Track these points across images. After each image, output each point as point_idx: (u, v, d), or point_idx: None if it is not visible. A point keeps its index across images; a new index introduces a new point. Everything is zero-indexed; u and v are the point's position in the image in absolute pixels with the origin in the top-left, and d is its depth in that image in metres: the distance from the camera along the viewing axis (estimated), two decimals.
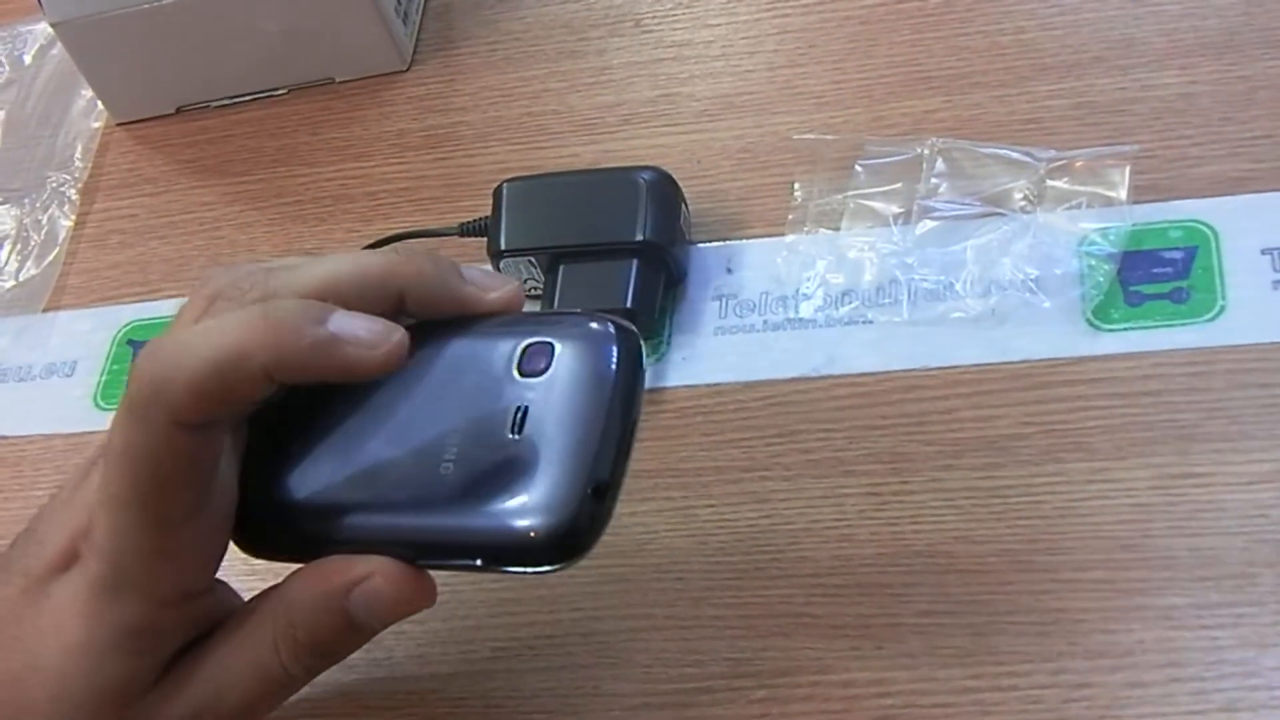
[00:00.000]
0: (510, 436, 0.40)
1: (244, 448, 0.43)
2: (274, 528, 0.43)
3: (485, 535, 0.40)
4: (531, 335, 0.42)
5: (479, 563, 0.40)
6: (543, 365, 0.41)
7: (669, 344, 0.58)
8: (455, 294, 0.43)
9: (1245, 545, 0.47)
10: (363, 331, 0.40)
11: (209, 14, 0.69)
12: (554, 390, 0.40)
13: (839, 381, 0.55)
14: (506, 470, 0.40)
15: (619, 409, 0.40)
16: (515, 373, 0.41)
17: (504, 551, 0.40)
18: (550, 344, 0.41)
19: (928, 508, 0.50)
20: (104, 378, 0.65)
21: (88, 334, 0.68)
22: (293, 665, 0.42)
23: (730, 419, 0.55)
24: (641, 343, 0.41)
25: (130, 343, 0.66)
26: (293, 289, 0.42)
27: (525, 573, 0.40)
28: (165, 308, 0.67)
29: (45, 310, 0.69)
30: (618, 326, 0.41)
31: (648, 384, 0.55)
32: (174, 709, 0.42)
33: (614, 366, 0.40)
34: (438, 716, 0.51)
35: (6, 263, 0.72)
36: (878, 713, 0.47)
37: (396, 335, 0.40)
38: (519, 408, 0.40)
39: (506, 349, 0.42)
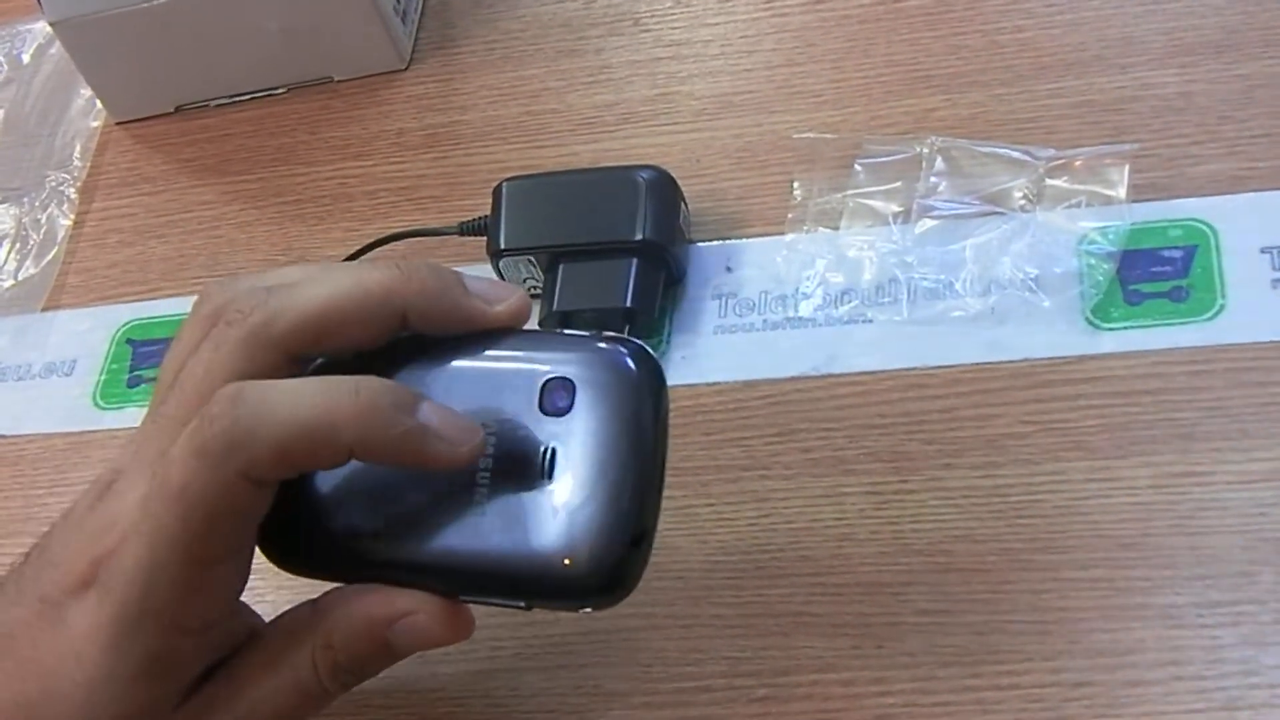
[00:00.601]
0: (542, 480, 0.40)
1: None
2: (305, 544, 0.43)
3: (530, 578, 0.40)
4: (550, 368, 0.42)
5: (523, 604, 0.41)
6: (565, 404, 0.41)
7: (669, 343, 0.58)
8: (460, 310, 0.43)
9: (1246, 544, 0.47)
10: (449, 429, 0.40)
11: (208, 13, 0.69)
12: (581, 432, 0.41)
13: (839, 380, 0.55)
14: (544, 513, 0.40)
15: (649, 449, 0.41)
16: (538, 409, 0.41)
17: (549, 595, 0.41)
18: (570, 380, 0.41)
19: (928, 507, 0.50)
20: (103, 377, 0.65)
21: (87, 333, 0.67)
22: (330, 683, 0.42)
23: (730, 418, 0.55)
24: (662, 371, 0.42)
25: (129, 341, 0.66)
26: (295, 310, 0.41)
27: (564, 611, 0.42)
28: (164, 307, 0.67)
29: (44, 309, 0.69)
30: (637, 357, 0.42)
31: None
32: None
33: (640, 405, 0.41)
34: (438, 716, 0.51)
35: (5, 262, 0.72)
36: (878, 711, 0.47)
37: (479, 436, 0.41)
38: (547, 449, 0.41)
39: (526, 382, 0.42)
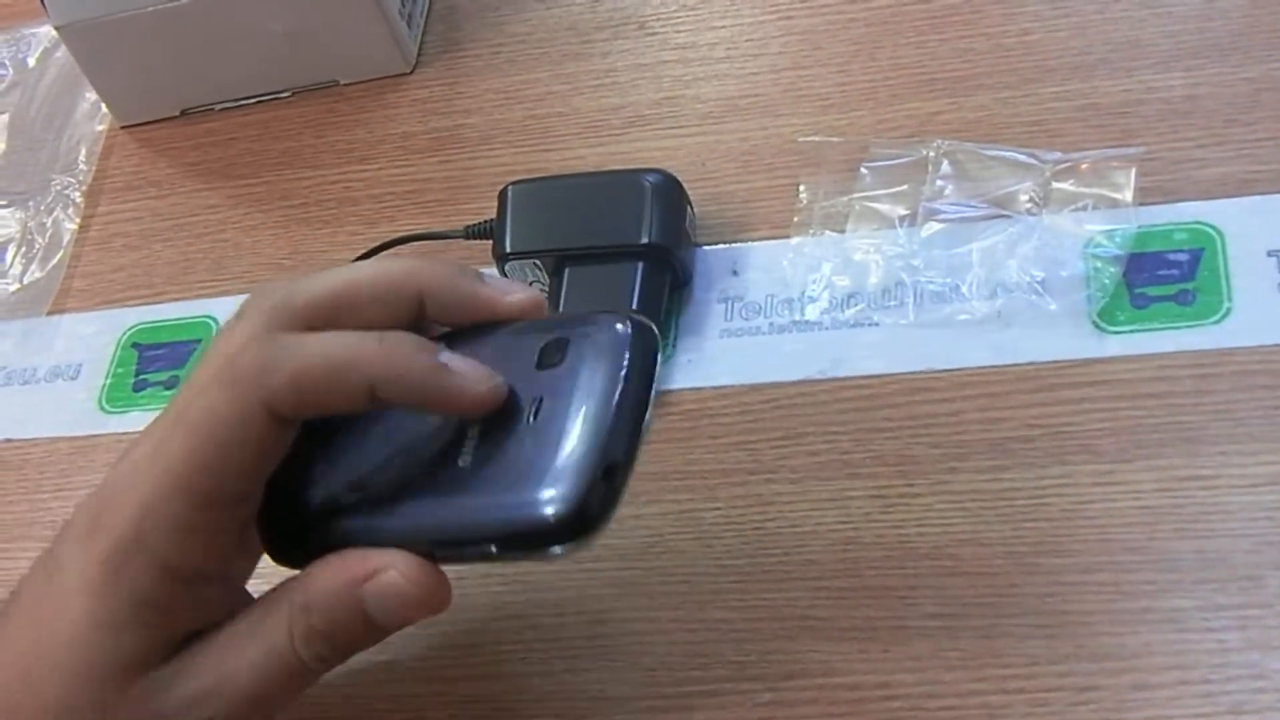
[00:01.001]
0: (526, 424, 0.41)
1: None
2: (298, 530, 0.43)
3: (497, 519, 0.40)
4: (551, 333, 0.43)
5: (493, 549, 0.40)
6: (559, 358, 0.42)
7: (674, 347, 0.58)
8: (475, 297, 0.44)
9: (1252, 547, 0.47)
10: (469, 369, 0.42)
11: (213, 17, 0.69)
12: (569, 379, 0.41)
13: (845, 384, 0.55)
14: (521, 457, 0.40)
15: (631, 393, 0.40)
16: (535, 368, 0.42)
17: (516, 534, 0.40)
18: (566, 339, 0.42)
19: (933, 510, 0.50)
20: (108, 381, 0.65)
21: (92, 337, 0.67)
22: (304, 650, 0.42)
23: (736, 422, 0.55)
24: (658, 335, 0.42)
25: (135, 345, 0.66)
26: (317, 286, 0.43)
27: (538, 556, 0.40)
28: (170, 311, 0.67)
29: (50, 313, 0.69)
30: (633, 320, 0.42)
31: None
32: (182, 687, 0.42)
33: (626, 353, 0.41)
34: None
35: (11, 265, 0.72)
36: (884, 716, 0.47)
37: (499, 378, 0.42)
38: (536, 398, 0.41)
39: (528, 347, 0.43)
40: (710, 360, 0.57)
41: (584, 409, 0.40)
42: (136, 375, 0.65)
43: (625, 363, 0.41)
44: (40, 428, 0.65)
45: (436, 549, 0.41)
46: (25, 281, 0.71)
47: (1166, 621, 0.46)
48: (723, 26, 0.68)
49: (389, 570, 0.41)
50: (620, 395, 0.40)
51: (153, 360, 0.65)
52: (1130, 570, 0.47)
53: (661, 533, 0.53)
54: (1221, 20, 0.60)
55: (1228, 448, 0.49)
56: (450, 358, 0.42)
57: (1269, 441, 0.49)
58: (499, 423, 0.41)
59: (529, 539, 0.39)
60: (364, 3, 0.69)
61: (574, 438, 0.40)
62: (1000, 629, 0.47)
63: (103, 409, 0.65)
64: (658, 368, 0.41)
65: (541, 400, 0.41)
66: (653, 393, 0.41)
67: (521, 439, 0.41)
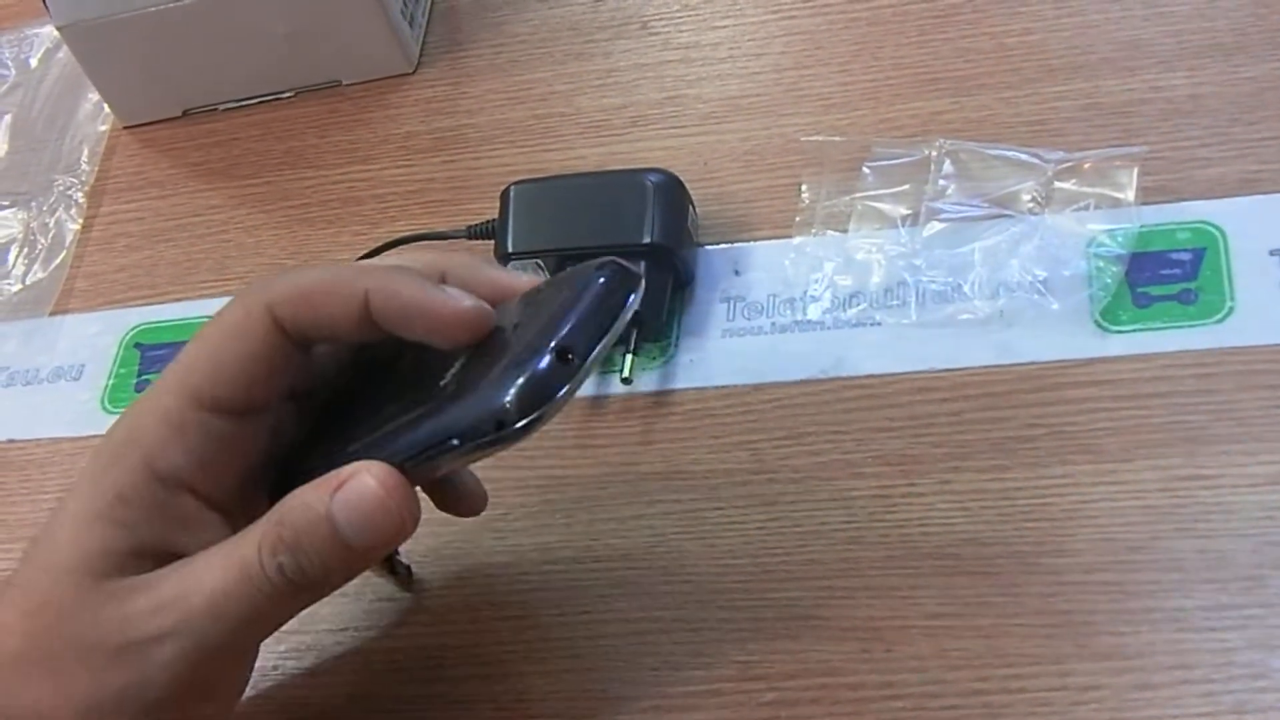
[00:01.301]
0: (501, 340, 0.42)
1: (291, 434, 0.46)
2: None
3: (455, 416, 0.41)
4: (543, 281, 0.44)
5: (455, 443, 0.40)
6: (543, 290, 0.43)
7: (676, 346, 0.58)
8: (492, 280, 0.45)
9: (1254, 547, 0.47)
10: (460, 292, 0.43)
11: (215, 17, 0.69)
12: (544, 303, 0.42)
13: (847, 384, 0.55)
14: (488, 367, 0.41)
15: (600, 300, 0.41)
16: (521, 305, 0.43)
17: (472, 422, 0.40)
18: (554, 280, 0.44)
19: (936, 510, 0.50)
20: (111, 381, 0.65)
21: (95, 337, 0.68)
22: (269, 561, 0.41)
23: (738, 421, 0.55)
24: (640, 277, 0.42)
25: (137, 346, 0.66)
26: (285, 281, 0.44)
27: (498, 439, 0.40)
28: (172, 311, 0.67)
29: (52, 314, 0.69)
30: (615, 262, 0.43)
31: (655, 386, 0.56)
32: (147, 595, 0.42)
33: (600, 278, 0.42)
34: (445, 719, 0.51)
35: (14, 266, 0.72)
36: (886, 715, 0.47)
37: (486, 306, 0.42)
38: (516, 323, 0.42)
39: (522, 296, 0.44)
40: (712, 360, 0.57)
41: (549, 314, 0.41)
42: (139, 375, 0.65)
43: (597, 281, 0.41)
44: (43, 428, 0.65)
45: (408, 463, 0.42)
46: (28, 282, 0.71)
47: (1169, 621, 0.46)
48: (725, 26, 0.68)
49: (359, 474, 0.41)
50: (587, 300, 0.41)
51: (155, 360, 0.65)
52: (1132, 570, 0.47)
53: (664, 533, 0.53)
54: (1224, 20, 0.60)
55: (1230, 447, 0.49)
56: (443, 286, 0.43)
57: (1271, 441, 0.49)
58: (483, 350, 0.42)
59: (484, 423, 0.40)
60: (366, 3, 0.69)
61: (535, 335, 0.40)
62: (1002, 628, 0.47)
63: (105, 409, 0.65)
64: (630, 300, 0.42)
65: (518, 324, 0.42)
66: (624, 308, 0.41)
67: (493, 352, 0.41)
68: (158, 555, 0.43)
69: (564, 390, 0.39)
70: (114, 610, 0.42)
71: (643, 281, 0.42)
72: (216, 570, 0.42)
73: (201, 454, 0.43)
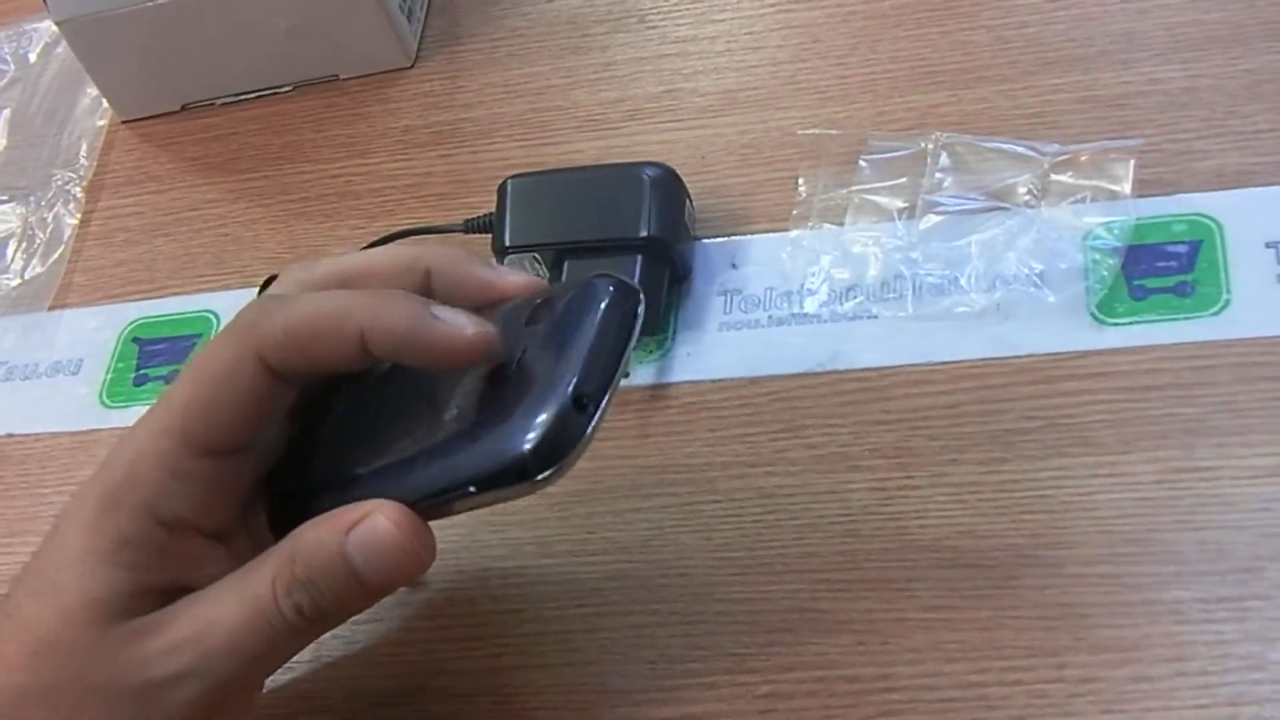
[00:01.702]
0: (509, 374, 0.41)
1: (281, 443, 0.46)
2: (296, 511, 0.44)
3: (472, 461, 0.40)
4: (542, 297, 0.44)
5: (472, 489, 0.40)
6: (545, 315, 0.43)
7: (673, 340, 0.58)
8: (478, 277, 0.45)
9: (1251, 539, 0.47)
10: (456, 315, 0.42)
11: (214, 11, 0.69)
12: (550, 330, 0.42)
13: (844, 376, 0.55)
14: (499, 402, 0.41)
15: (605, 335, 0.41)
16: (523, 326, 0.43)
17: (491, 470, 0.40)
18: (554, 298, 0.43)
19: (933, 502, 0.50)
20: (109, 375, 0.65)
21: (93, 332, 0.68)
22: (285, 600, 0.42)
23: (735, 414, 0.55)
24: (640, 295, 0.42)
25: (136, 340, 0.66)
26: (332, 266, 0.45)
27: (516, 488, 0.40)
28: (171, 305, 0.67)
29: (51, 308, 0.69)
30: (616, 280, 0.43)
31: (652, 380, 0.56)
32: (162, 636, 0.42)
33: (605, 303, 0.42)
34: (444, 713, 0.51)
35: (12, 260, 0.72)
36: (883, 708, 0.47)
37: (488, 326, 0.42)
38: (521, 350, 0.42)
39: (521, 311, 0.44)
40: (709, 353, 0.57)
41: (559, 350, 0.41)
42: (138, 370, 0.65)
43: (602, 310, 0.41)
44: (42, 423, 0.65)
45: (421, 503, 0.41)
46: (26, 277, 0.71)
47: (1166, 613, 0.46)
48: (722, 20, 0.68)
49: (373, 514, 0.41)
50: (595, 336, 0.41)
51: (154, 355, 0.65)
52: (1129, 562, 0.47)
53: (661, 525, 0.53)
54: (1220, 12, 0.60)
55: (1227, 439, 0.49)
56: (439, 308, 0.42)
57: (1268, 433, 0.49)
58: (486, 378, 0.42)
59: (503, 472, 0.40)
60: None
61: (547, 374, 0.40)
62: (999, 621, 0.47)
63: (104, 404, 0.65)
64: (638, 321, 0.42)
65: (525, 351, 0.42)
66: (631, 340, 0.42)
67: (503, 387, 0.41)
68: (164, 593, 0.43)
69: (583, 438, 0.40)
70: (130, 652, 0.42)
71: (643, 303, 0.42)
72: (230, 608, 0.42)
73: (202, 497, 0.43)
